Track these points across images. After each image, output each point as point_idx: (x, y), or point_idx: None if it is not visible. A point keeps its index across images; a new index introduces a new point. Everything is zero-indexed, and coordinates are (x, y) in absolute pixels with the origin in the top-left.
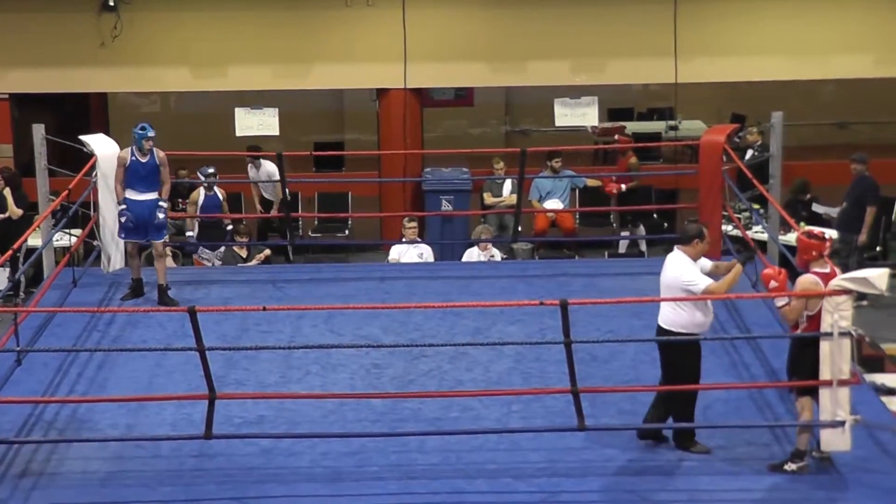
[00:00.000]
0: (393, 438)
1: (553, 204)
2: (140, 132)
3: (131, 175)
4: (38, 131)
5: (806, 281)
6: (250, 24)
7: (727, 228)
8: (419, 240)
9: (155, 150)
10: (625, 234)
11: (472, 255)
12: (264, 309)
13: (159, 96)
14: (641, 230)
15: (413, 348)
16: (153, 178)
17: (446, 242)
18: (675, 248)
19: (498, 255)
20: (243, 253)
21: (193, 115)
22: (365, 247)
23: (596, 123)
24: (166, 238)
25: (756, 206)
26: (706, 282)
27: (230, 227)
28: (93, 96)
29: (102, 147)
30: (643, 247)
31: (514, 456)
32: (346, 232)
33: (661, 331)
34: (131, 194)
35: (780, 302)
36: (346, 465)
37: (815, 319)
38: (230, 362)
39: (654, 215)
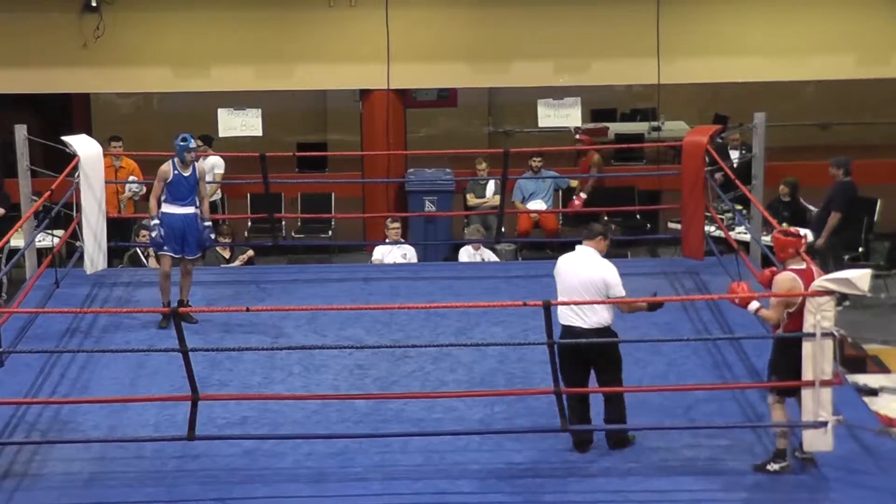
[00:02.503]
0: (376, 439)
1: (536, 205)
2: (182, 143)
3: (173, 189)
4: (21, 132)
5: (784, 278)
6: (233, 24)
7: (710, 229)
8: (402, 241)
9: (195, 163)
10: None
11: (465, 255)
12: (248, 310)
13: (142, 97)
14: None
15: (396, 349)
16: (195, 191)
17: (430, 243)
18: (584, 243)
19: (492, 256)
20: (226, 254)
21: (176, 115)
22: (348, 247)
23: (579, 124)
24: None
25: (739, 207)
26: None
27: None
28: (75, 97)
29: (85, 148)
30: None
31: (498, 457)
32: (330, 233)
33: (601, 332)
34: (170, 207)
35: (753, 307)
36: (329, 466)
37: (797, 317)
38: (213, 363)
39: (637, 216)
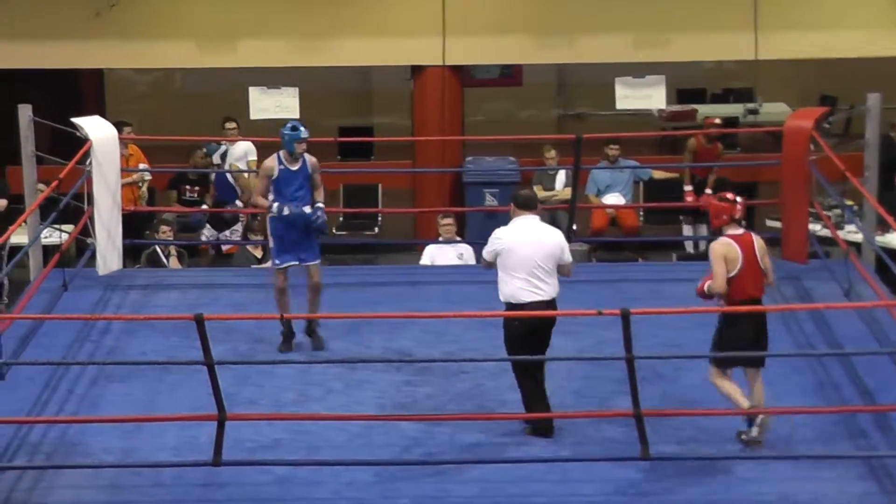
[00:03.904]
0: (427, 466)
1: (613, 199)
2: (291, 133)
3: (281, 188)
4: (25, 113)
5: (718, 244)
6: None
7: (815, 228)
8: (458, 239)
9: (306, 154)
10: (688, 232)
11: None
12: (282, 317)
13: (162, 74)
14: (703, 229)
15: (450, 363)
16: (305, 188)
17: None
18: (528, 214)
19: None
20: (258, 253)
21: (201, 95)
22: (396, 247)
23: (663, 106)
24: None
25: (849, 203)
26: None
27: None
28: (86, 73)
29: (97, 130)
30: (704, 246)
31: (565, 488)
32: (375, 230)
33: (554, 302)
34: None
35: (706, 286)
36: (372, 497)
37: (737, 283)
38: (242, 378)
39: None
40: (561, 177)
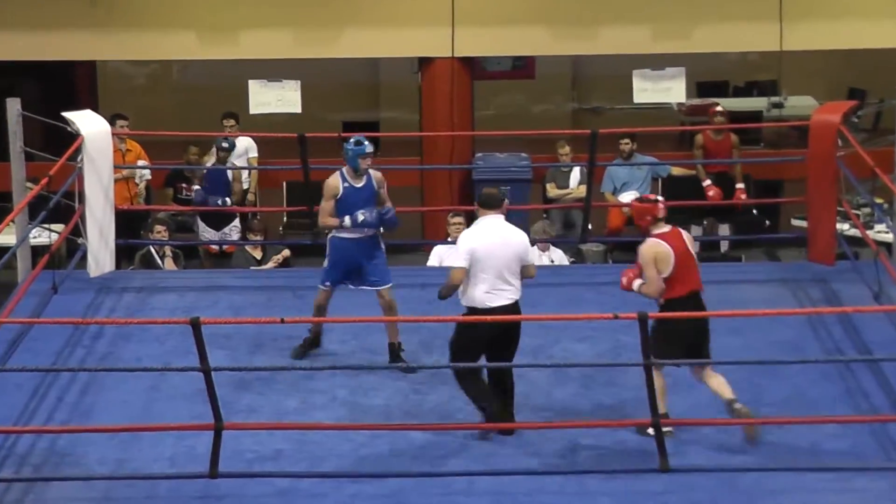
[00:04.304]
0: (436, 478)
1: (630, 197)
2: (355, 148)
3: (344, 208)
4: (14, 106)
5: (647, 245)
6: None
7: (843, 227)
8: None
9: (370, 169)
10: (696, 230)
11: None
12: (283, 321)
13: (159, 66)
14: (725, 229)
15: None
16: (371, 205)
17: None
18: (492, 213)
19: (562, 257)
20: (257, 254)
21: (199, 88)
22: (403, 247)
23: (683, 100)
24: (391, 285)
25: (879, 201)
26: None
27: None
28: (79, 65)
29: (90, 126)
30: (724, 248)
31: (581, 501)
32: (381, 229)
33: (517, 305)
34: (340, 231)
35: (636, 285)
36: None
37: (674, 281)
38: (241, 385)
39: (754, 210)
40: (576, 174)
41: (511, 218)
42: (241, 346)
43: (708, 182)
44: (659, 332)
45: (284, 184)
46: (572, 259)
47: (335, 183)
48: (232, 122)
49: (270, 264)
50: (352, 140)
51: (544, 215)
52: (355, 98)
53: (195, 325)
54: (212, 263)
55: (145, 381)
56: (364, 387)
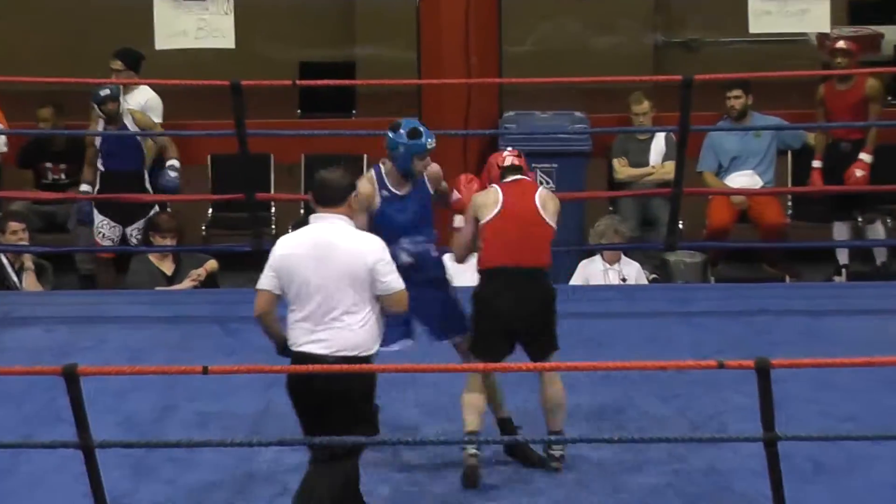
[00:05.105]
0: None
1: (743, 179)
2: (410, 142)
3: (388, 221)
4: None
5: (481, 193)
6: None
7: None
8: None
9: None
10: (840, 233)
11: (591, 271)
12: (205, 371)
13: None
14: (878, 230)
15: (469, 444)
16: (426, 218)
17: None
18: (327, 211)
19: (638, 273)
20: (167, 266)
21: (82, 15)
22: None
23: (826, 29)
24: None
25: None
26: None
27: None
28: None
29: None
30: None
31: None
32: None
33: (351, 362)
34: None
35: (457, 222)
36: None
37: (488, 245)
38: (141, 468)
39: None
40: (658, 143)
41: (562, 209)
42: (143, 406)
43: (818, 164)
44: (473, 311)
45: (209, 158)
46: (654, 275)
47: (369, 190)
48: (118, 63)
49: (186, 282)
50: (403, 127)
51: (610, 208)
52: (320, 28)
53: (70, 376)
54: (110, 279)
55: None
56: None
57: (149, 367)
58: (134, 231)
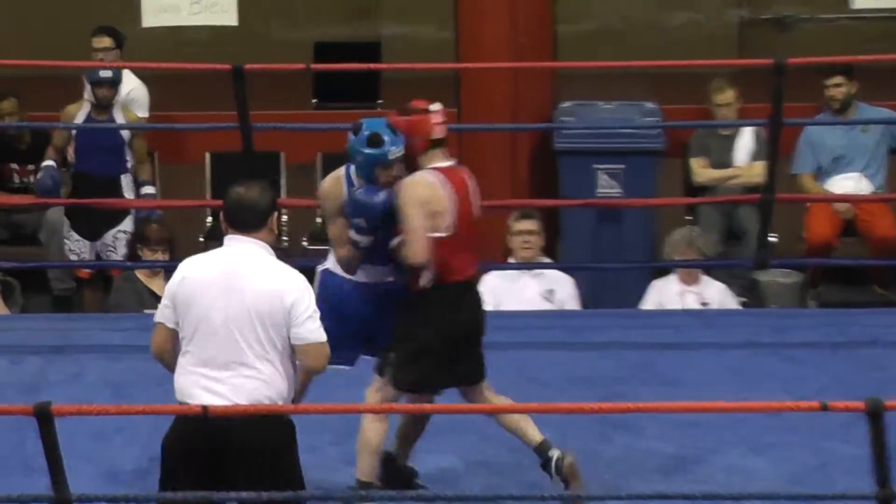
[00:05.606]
0: None
1: (850, 183)
2: (370, 151)
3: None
4: None
5: (417, 184)
6: None
7: None
8: (546, 260)
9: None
10: None
11: (666, 293)
12: (205, 413)
13: None
14: None
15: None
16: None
17: (607, 267)
18: (242, 236)
19: (722, 295)
20: (157, 285)
21: None
22: None
23: None
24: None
25: None
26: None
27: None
28: None
29: None
30: None
31: None
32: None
33: (259, 419)
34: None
35: (393, 241)
36: None
37: (452, 253)
38: None
39: None
40: (746, 140)
41: (622, 222)
42: (128, 454)
43: None
44: (414, 334)
45: (207, 157)
46: (743, 299)
47: (335, 189)
48: (106, 40)
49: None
50: (363, 130)
51: (687, 217)
52: (338, 3)
53: (43, 416)
54: (93, 299)
55: None
56: None
57: (135, 406)
58: (107, 244)
